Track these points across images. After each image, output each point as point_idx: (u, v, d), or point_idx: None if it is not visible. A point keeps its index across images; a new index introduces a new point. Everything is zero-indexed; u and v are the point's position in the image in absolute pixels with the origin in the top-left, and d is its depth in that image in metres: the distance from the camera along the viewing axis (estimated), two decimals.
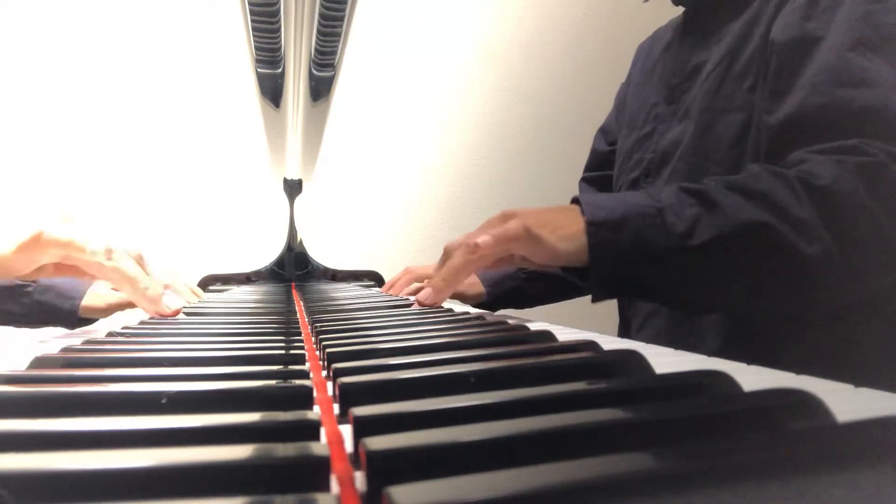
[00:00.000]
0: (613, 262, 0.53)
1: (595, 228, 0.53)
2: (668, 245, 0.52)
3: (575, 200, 0.57)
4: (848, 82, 0.55)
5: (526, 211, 0.57)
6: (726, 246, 0.51)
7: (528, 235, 0.54)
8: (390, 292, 0.93)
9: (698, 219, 0.52)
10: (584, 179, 1.02)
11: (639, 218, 0.53)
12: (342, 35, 0.93)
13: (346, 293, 0.85)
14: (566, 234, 0.54)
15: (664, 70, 0.82)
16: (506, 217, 0.57)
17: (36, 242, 0.46)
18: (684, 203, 0.53)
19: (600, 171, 0.98)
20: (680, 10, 0.84)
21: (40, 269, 0.50)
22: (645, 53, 0.91)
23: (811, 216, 0.50)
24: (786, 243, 0.50)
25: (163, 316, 0.52)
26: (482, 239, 0.54)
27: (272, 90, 1.01)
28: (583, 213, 0.54)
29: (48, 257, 0.48)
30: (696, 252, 0.51)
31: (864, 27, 0.56)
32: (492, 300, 0.96)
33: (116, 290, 0.81)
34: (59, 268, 0.51)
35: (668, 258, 0.52)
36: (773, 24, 0.63)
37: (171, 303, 0.52)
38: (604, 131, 1.00)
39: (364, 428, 0.19)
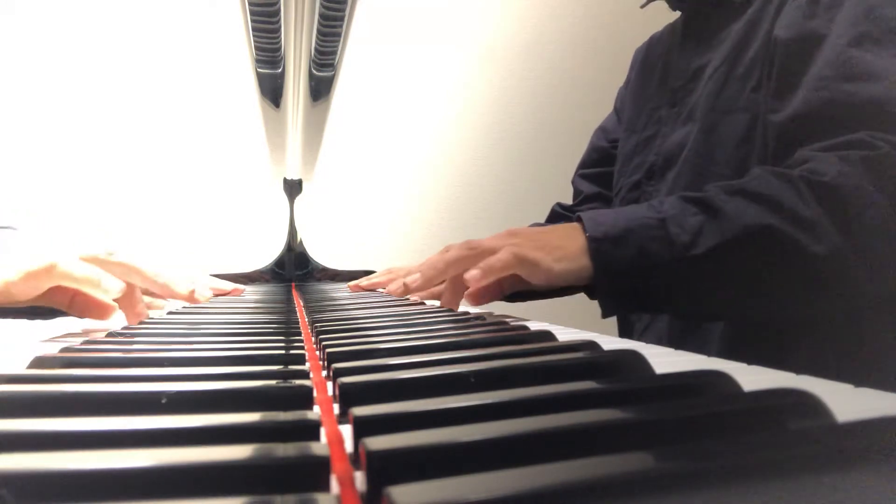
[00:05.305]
0: (617, 276, 0.53)
1: (597, 244, 0.53)
2: (672, 256, 0.51)
3: (577, 218, 0.56)
4: (852, 76, 0.55)
5: (525, 233, 0.56)
6: (731, 252, 0.50)
7: (520, 262, 0.53)
8: (389, 290, 0.92)
9: (701, 227, 0.51)
10: (581, 175, 1.00)
11: (641, 230, 0.52)
12: (342, 35, 0.93)
13: (346, 293, 0.85)
14: (564, 254, 0.53)
15: (665, 73, 0.81)
16: (511, 234, 0.57)
17: (47, 273, 0.46)
18: (686, 212, 0.52)
19: (600, 167, 0.97)
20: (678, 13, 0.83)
21: (51, 301, 0.51)
22: (642, 56, 0.91)
23: (817, 214, 0.49)
24: (792, 244, 0.49)
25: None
26: (471, 274, 0.53)
27: (272, 90, 1.01)
28: (584, 229, 0.54)
29: (53, 285, 0.48)
30: (701, 260, 0.51)
31: (867, 22, 0.56)
32: None
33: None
34: (73, 303, 0.52)
35: (674, 269, 0.52)
36: (776, 24, 0.63)
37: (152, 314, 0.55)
38: (604, 129, 0.99)
39: (364, 428, 0.19)
